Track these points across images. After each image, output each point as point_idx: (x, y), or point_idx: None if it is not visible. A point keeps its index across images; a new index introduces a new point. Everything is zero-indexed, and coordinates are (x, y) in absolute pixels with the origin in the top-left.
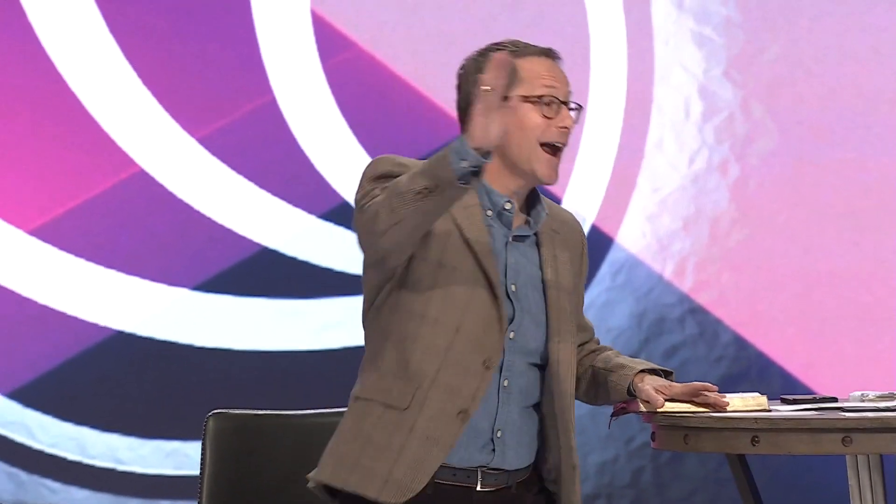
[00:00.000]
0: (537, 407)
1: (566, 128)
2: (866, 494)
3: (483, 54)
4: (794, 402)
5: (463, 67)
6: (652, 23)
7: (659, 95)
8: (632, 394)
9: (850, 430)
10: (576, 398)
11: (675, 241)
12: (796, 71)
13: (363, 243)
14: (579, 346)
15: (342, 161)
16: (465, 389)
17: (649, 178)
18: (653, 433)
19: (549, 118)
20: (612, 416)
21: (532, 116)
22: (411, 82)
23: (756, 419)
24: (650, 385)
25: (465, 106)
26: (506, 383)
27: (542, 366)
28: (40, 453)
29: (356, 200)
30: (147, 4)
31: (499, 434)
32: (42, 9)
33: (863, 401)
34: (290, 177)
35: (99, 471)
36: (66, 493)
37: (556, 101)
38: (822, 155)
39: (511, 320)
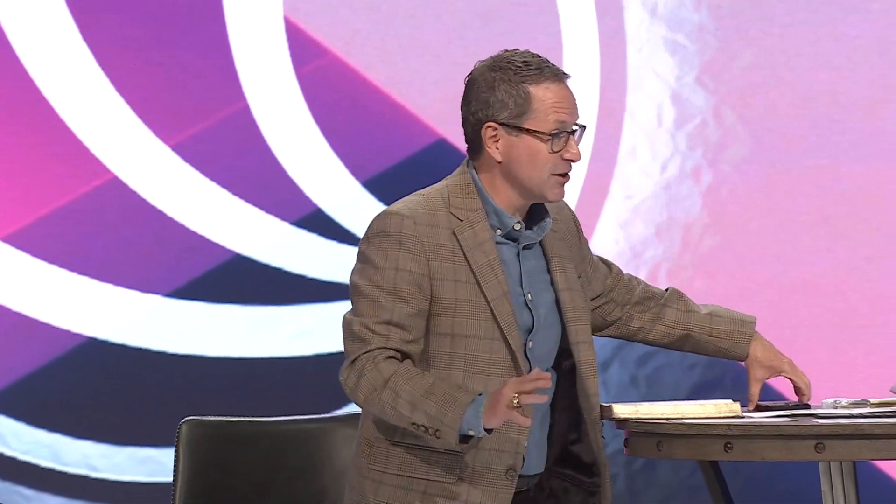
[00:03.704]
0: (558, 405)
1: (572, 160)
2: (839, 501)
3: (495, 69)
4: (767, 409)
5: (473, 79)
6: (625, 30)
7: (631, 103)
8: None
9: (823, 437)
10: (659, 346)
11: (648, 247)
12: (769, 78)
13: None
14: (618, 291)
15: (316, 168)
16: (507, 445)
17: (622, 185)
18: (626, 440)
19: (557, 152)
20: None
21: (542, 152)
22: (385, 90)
23: (729, 426)
24: (759, 365)
25: (474, 122)
26: None
27: (557, 365)
28: (13, 460)
29: (351, 282)
30: (121, 12)
31: (525, 443)
32: (16, 16)
33: (836, 407)
34: (264, 184)
35: (72, 478)
36: (39, 501)
37: (565, 133)
38: (794, 162)
39: (530, 330)
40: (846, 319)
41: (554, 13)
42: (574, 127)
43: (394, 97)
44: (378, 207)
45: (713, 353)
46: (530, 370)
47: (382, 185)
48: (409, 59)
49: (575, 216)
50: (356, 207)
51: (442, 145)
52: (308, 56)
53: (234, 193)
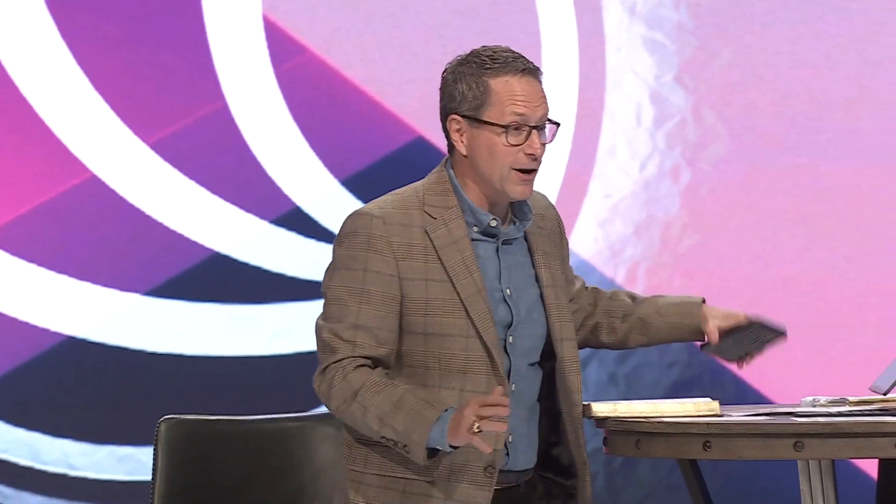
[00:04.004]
0: (540, 405)
1: (533, 154)
2: (818, 499)
3: (463, 63)
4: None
5: (444, 74)
6: (604, 29)
7: (611, 102)
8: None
9: (801, 436)
10: (614, 346)
11: (627, 246)
12: (748, 77)
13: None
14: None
15: (294, 166)
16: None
17: (601, 184)
18: (605, 438)
19: (516, 145)
20: None
21: (499, 145)
22: (364, 88)
23: (708, 424)
24: (711, 315)
25: (443, 115)
26: (514, 388)
27: (540, 363)
28: None
29: (322, 284)
30: (99, 11)
31: (510, 439)
32: None
33: (815, 406)
34: (243, 182)
35: (51, 476)
36: (18, 499)
37: (526, 126)
38: (773, 161)
39: (508, 326)
40: (825, 318)
41: (533, 12)
42: (536, 122)
43: (372, 95)
44: (356, 205)
45: (668, 333)
46: (510, 366)
47: (361, 184)
48: (388, 57)
49: (560, 219)
50: (335, 206)
51: (420, 143)
52: (287, 54)
53: (213, 192)
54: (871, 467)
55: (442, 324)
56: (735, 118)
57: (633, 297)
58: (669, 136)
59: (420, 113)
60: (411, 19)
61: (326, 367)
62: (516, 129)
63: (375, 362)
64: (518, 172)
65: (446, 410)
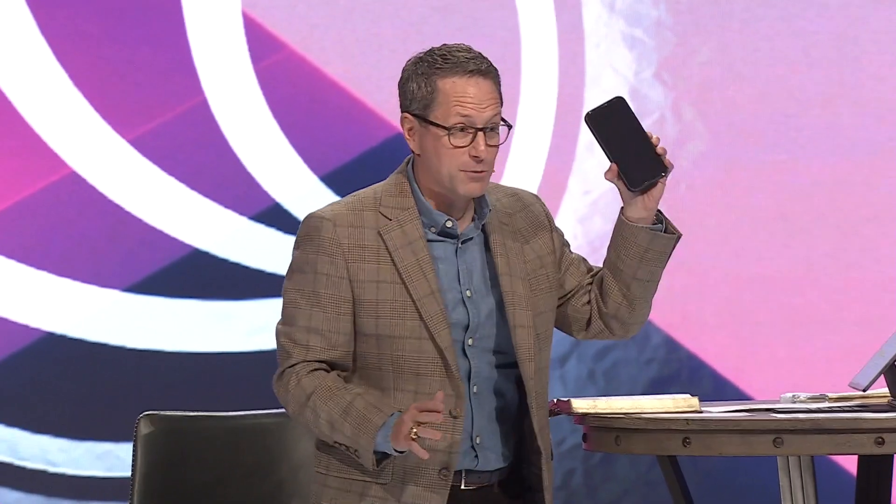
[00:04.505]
0: (512, 402)
1: (478, 156)
2: (797, 495)
3: (417, 62)
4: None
5: (402, 72)
6: (583, 25)
7: (590, 98)
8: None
9: (781, 432)
10: (616, 311)
11: (606, 242)
12: (727, 73)
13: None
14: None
15: (274, 163)
16: (440, 444)
17: (580, 181)
18: (584, 434)
19: (461, 147)
20: None
21: (445, 146)
22: (343, 84)
23: (687, 420)
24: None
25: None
26: (475, 389)
27: (512, 362)
28: None
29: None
30: (78, 7)
31: (478, 440)
32: None
33: (794, 402)
34: (222, 178)
35: (30, 472)
36: None
37: (471, 128)
38: (752, 157)
39: (467, 328)
40: (805, 314)
41: (512, 8)
42: (483, 124)
43: (352, 92)
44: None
45: (616, 254)
46: (470, 369)
47: (340, 180)
48: (367, 53)
49: (548, 211)
50: (314, 202)
51: (399, 140)
52: (266, 51)
53: (192, 188)
54: (850, 464)
55: (393, 325)
56: (714, 115)
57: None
58: (648, 132)
59: (399, 110)
60: (390, 16)
61: (282, 371)
62: (461, 130)
63: (331, 365)
64: (466, 172)
65: (392, 415)
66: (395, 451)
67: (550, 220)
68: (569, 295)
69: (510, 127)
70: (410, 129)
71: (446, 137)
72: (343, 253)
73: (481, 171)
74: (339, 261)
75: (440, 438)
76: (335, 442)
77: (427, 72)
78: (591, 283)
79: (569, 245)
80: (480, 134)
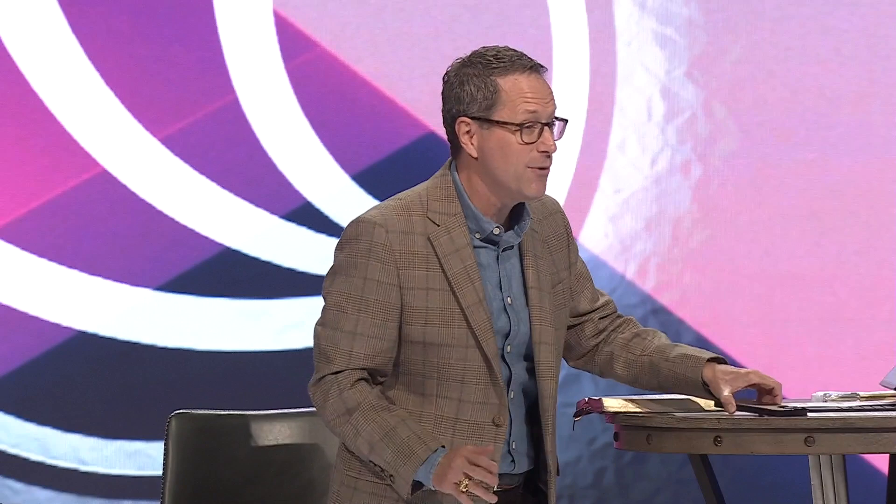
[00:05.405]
0: (535, 406)
1: (547, 151)
2: (829, 494)
3: (466, 65)
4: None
5: (447, 76)
6: (614, 24)
7: (621, 96)
8: (706, 385)
9: (812, 431)
10: (625, 381)
11: (638, 241)
12: (758, 72)
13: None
14: (603, 318)
15: (305, 161)
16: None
17: (611, 179)
18: (616, 433)
19: (529, 143)
20: (575, 416)
21: (513, 144)
22: (374, 83)
23: (719, 419)
24: (722, 379)
25: (450, 119)
26: (512, 395)
27: (532, 368)
28: (3, 454)
29: (323, 287)
30: (110, 5)
31: (514, 445)
32: (5, 9)
33: (825, 401)
34: (253, 177)
35: (62, 471)
36: (28, 494)
37: (538, 124)
38: (784, 156)
39: (507, 335)
40: (835, 313)
41: (543, 7)
42: (547, 119)
43: (383, 90)
44: (367, 200)
45: (674, 384)
46: (510, 376)
47: (371, 179)
48: (398, 52)
49: (568, 224)
50: (345, 201)
51: (431, 138)
52: (297, 49)
53: (224, 187)
54: (882, 462)
55: (441, 333)
56: (745, 113)
57: (648, 335)
58: (680, 131)
59: (430, 108)
60: (421, 14)
61: (323, 377)
62: (529, 127)
63: (372, 373)
64: (533, 170)
65: (436, 451)
66: (434, 487)
67: (569, 232)
68: (577, 324)
69: (566, 122)
70: (468, 133)
71: (517, 134)
72: (395, 259)
73: (547, 168)
74: (391, 267)
75: (492, 501)
76: (370, 461)
77: (483, 73)
78: (602, 331)
79: (577, 254)
80: (546, 128)
